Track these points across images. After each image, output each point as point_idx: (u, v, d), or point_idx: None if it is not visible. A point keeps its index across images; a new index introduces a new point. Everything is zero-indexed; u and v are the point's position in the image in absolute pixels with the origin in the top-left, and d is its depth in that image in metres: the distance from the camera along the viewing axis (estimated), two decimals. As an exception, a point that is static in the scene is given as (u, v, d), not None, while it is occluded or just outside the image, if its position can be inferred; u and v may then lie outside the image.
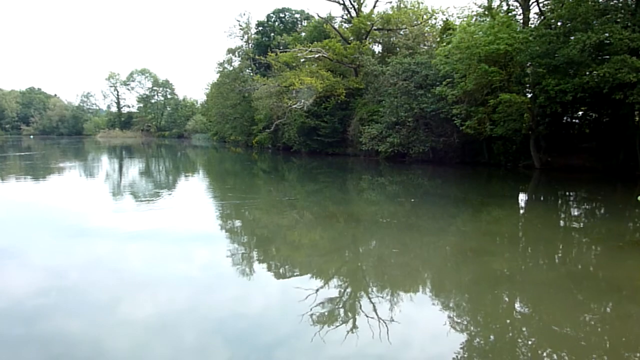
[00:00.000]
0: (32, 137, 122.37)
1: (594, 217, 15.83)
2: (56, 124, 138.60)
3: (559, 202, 19.19)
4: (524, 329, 6.64)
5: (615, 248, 11.14)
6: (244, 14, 67.14)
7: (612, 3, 23.77)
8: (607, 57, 22.24)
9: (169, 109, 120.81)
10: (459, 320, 6.96)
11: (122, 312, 7.11)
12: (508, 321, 6.91)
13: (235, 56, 65.66)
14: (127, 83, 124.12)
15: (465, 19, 30.39)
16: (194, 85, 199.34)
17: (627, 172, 24.37)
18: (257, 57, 54.25)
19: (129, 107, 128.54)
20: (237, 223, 14.42)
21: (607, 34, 21.82)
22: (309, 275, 9.19)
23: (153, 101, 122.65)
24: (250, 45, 64.74)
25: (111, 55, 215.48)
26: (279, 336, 6.36)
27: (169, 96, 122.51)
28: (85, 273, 8.93)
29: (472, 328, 6.70)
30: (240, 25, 64.85)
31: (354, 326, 6.62)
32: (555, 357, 5.79)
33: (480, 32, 25.76)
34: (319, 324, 6.58)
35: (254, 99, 48.52)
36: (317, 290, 7.87)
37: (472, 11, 30.75)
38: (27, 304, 7.36)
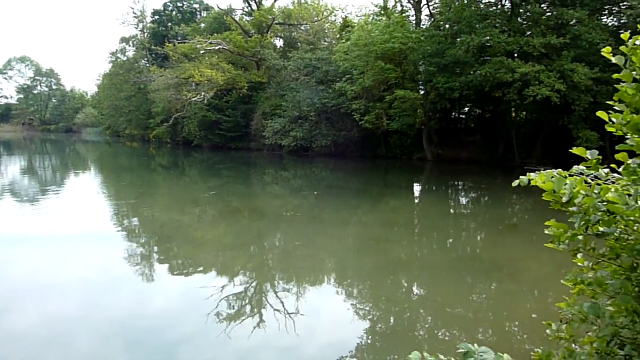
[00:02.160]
0: None
1: (478, 204, 17.32)
2: None
3: (449, 191, 20.71)
4: (421, 311, 7.12)
5: (497, 231, 12.33)
6: (138, 2, 63.59)
7: (491, 9, 26.03)
8: (488, 58, 24.33)
9: (54, 100, 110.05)
10: (361, 307, 7.28)
11: (7, 326, 6.48)
12: (406, 305, 7.37)
13: (130, 45, 62.07)
14: (4, 72, 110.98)
15: (363, 17, 31.52)
16: (83, 75, 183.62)
17: (506, 162, 26.91)
18: (153, 47, 51.67)
19: (6, 98, 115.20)
20: (135, 222, 13.72)
21: (487, 37, 23.85)
22: (213, 272, 9.03)
23: (35, 92, 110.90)
24: (145, 34, 61.50)
25: None
26: (182, 335, 6.19)
27: (54, 87, 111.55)
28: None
29: (374, 313, 7.04)
30: (135, 13, 61.37)
31: (261, 320, 6.65)
32: (449, 335, 6.28)
33: (377, 31, 26.87)
34: (225, 321, 6.51)
35: (151, 91, 46.25)
36: (223, 287, 7.78)
37: (370, 10, 32.05)
38: None
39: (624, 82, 1.85)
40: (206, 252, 10.53)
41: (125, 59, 62.08)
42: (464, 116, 37.58)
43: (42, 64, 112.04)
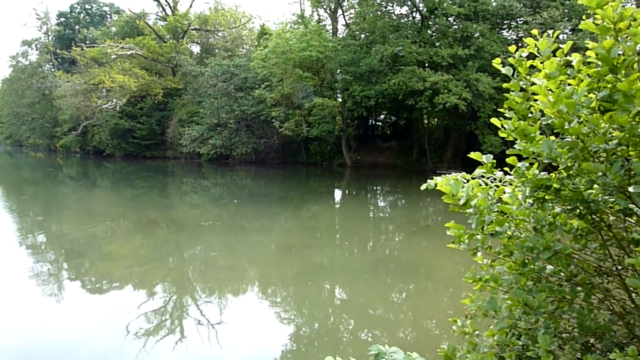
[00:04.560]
0: None
1: (395, 207, 18.01)
2: None
3: (368, 195, 21.34)
4: (344, 313, 7.27)
5: (412, 233, 12.89)
6: (42, 2, 59.18)
7: (403, 21, 27.30)
8: (401, 67, 25.45)
9: None
10: (285, 314, 7.30)
11: None
12: (330, 309, 7.49)
13: (32, 49, 57.57)
14: None
15: (280, 25, 31.69)
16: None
17: (420, 167, 28.21)
18: (59, 51, 48.37)
19: None
20: (41, 238, 12.74)
21: (400, 48, 24.95)
22: (130, 288, 8.63)
23: None
24: (50, 37, 57.44)
25: None
26: (97, 355, 5.85)
27: None
28: None
29: (298, 319, 7.09)
30: (38, 15, 57.08)
31: (182, 334, 6.47)
32: (371, 335, 6.47)
33: (294, 39, 27.14)
34: (144, 337, 6.25)
35: (57, 98, 43.16)
36: (140, 303, 7.46)
37: (287, 19, 32.32)
38: None
39: (513, 91, 2.04)
40: (121, 267, 10.02)
41: (27, 63, 57.49)
42: (380, 123, 38.96)
43: None
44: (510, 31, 26.37)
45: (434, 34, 26.27)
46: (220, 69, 32.72)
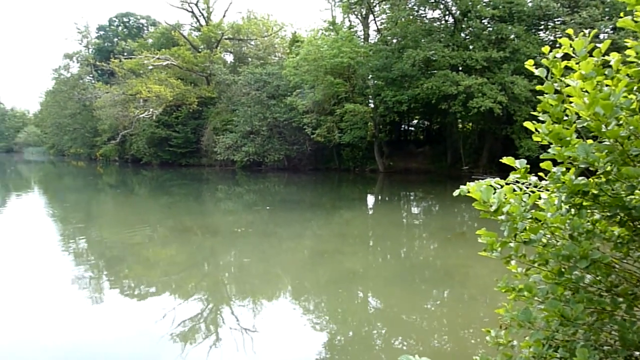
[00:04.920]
0: None
1: (429, 213, 17.76)
2: None
3: (401, 201, 21.13)
4: (378, 321, 7.19)
5: (447, 240, 12.66)
6: (83, 17, 61.55)
7: (435, 25, 27.03)
8: (434, 71, 25.18)
9: None
10: (318, 321, 7.27)
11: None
12: (363, 316, 7.42)
13: (74, 62, 59.97)
14: None
15: (312, 33, 31.92)
16: (24, 94, 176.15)
17: (454, 172, 27.76)
18: (98, 63, 50.18)
19: None
20: (82, 244, 13.16)
21: (432, 52, 24.70)
22: (166, 293, 8.79)
23: None
24: (90, 50, 59.68)
25: None
26: (135, 359, 5.98)
27: None
28: None
29: (331, 326, 7.05)
30: (79, 29, 59.46)
31: (217, 339, 6.53)
32: (405, 343, 6.37)
33: (326, 46, 27.27)
34: (180, 342, 6.34)
35: (97, 108, 44.73)
36: (176, 308, 7.58)
37: (318, 26, 32.52)
38: None
39: (547, 93, 1.98)
40: (158, 272, 10.23)
41: (69, 75, 59.90)
42: (413, 128, 38.61)
43: None
44: (548, 32, 25.73)
45: (467, 36, 25.90)
46: (253, 77, 33.19)
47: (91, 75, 57.89)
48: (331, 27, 31.00)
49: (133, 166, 43.47)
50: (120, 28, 60.84)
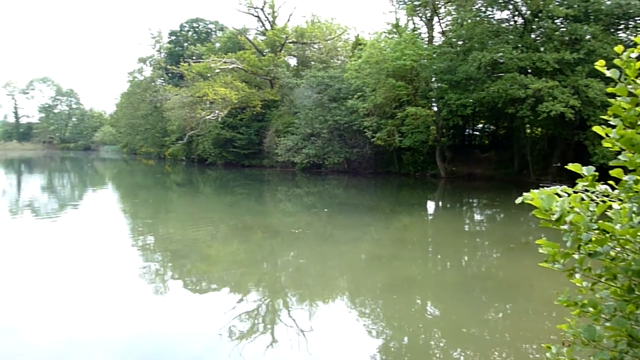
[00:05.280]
0: None
1: (493, 221, 17.13)
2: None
3: (463, 208, 20.53)
4: (435, 330, 7.03)
5: (510, 250, 12.16)
6: (156, 23, 64.55)
7: (503, 26, 26.07)
8: (501, 74, 24.28)
9: (74, 119, 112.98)
10: (374, 326, 7.21)
11: (26, 337, 6.54)
12: (420, 324, 7.28)
13: (147, 65, 63.25)
14: (26, 92, 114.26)
15: (374, 35, 31.79)
16: (101, 95, 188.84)
17: (521, 179, 26.63)
18: (169, 66, 52.59)
19: (28, 117, 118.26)
20: (148, 239, 13.84)
21: (500, 54, 23.85)
22: (226, 289, 9.05)
23: (56, 111, 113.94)
24: (162, 54, 62.68)
25: (6, 62, 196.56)
26: (193, 353, 6.19)
27: (74, 106, 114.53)
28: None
29: (387, 332, 6.97)
30: (152, 34, 62.63)
31: (273, 338, 6.63)
32: (464, 355, 6.18)
33: (388, 48, 27.05)
34: (237, 339, 6.50)
35: (166, 110, 46.91)
36: (235, 304, 7.78)
37: (382, 28, 32.32)
38: None
39: (619, 96, 1.84)
40: (219, 269, 10.56)
41: (142, 78, 63.27)
42: (477, 132, 37.45)
43: (63, 85, 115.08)
44: (628, 32, 24.11)
45: (537, 38, 24.79)
46: (315, 81, 33.51)
47: (162, 78, 60.75)
48: (394, 30, 30.71)
49: (199, 166, 45.15)
50: (190, 33, 63.41)
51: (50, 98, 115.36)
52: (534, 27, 24.74)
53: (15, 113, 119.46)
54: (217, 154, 42.60)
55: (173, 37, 63.20)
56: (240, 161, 41.24)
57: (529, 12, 24.62)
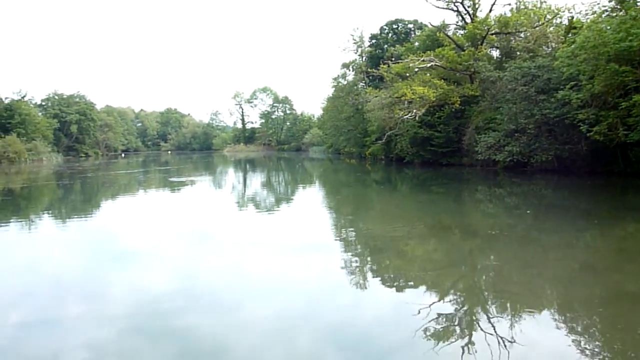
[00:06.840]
0: (169, 152, 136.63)
1: None
2: (189, 140, 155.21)
3: None
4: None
5: None
6: (358, 28, 68.03)
7: None
8: None
9: (287, 123, 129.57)
10: (587, 345, 6.49)
11: (244, 315, 7.72)
12: (646, 349, 6.30)
13: (350, 70, 67.22)
14: (251, 101, 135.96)
15: (593, 16, 28.00)
16: (310, 100, 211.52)
17: None
18: (369, 70, 54.87)
19: (252, 123, 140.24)
20: (350, 233, 14.78)
21: None
22: (422, 289, 9.16)
23: (273, 117, 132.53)
24: (363, 58, 65.72)
25: (236, 76, 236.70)
26: (391, 346, 6.47)
27: (288, 112, 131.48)
28: (213, 277, 9.84)
29: (603, 354, 6.22)
30: (354, 40, 66.13)
31: (470, 342, 6.51)
32: None
33: (609, 29, 23.57)
34: (433, 339, 6.57)
35: (367, 111, 49.11)
36: (431, 305, 7.83)
37: (603, 7, 28.16)
38: (163, 303, 8.30)
39: None
40: (416, 267, 10.74)
41: (345, 83, 67.47)
42: None
43: (279, 93, 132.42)
44: None
45: None
46: (520, 72, 31.08)
47: (363, 82, 63.71)
48: (618, 7, 26.55)
49: (397, 165, 46.10)
50: (389, 35, 65.04)
51: (269, 105, 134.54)
52: None
53: (242, 120, 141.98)
54: (415, 153, 42.85)
55: (374, 41, 65.68)
56: (437, 159, 40.74)
57: None
